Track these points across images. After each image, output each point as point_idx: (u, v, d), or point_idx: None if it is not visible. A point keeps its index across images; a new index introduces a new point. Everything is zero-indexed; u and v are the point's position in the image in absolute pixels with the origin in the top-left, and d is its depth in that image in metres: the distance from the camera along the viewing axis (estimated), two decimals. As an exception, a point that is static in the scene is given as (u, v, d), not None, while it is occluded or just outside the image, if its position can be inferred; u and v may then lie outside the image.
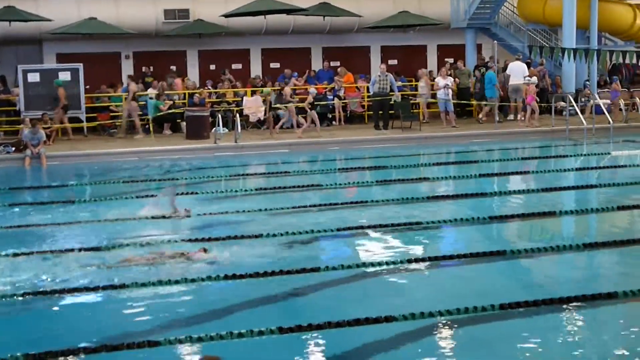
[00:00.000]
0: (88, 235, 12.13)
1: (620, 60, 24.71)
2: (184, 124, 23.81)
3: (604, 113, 23.63)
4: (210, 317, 8.44)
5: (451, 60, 29.46)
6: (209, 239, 11.40)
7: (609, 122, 22.90)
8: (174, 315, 8.53)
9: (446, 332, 7.89)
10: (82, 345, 7.56)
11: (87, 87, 25.08)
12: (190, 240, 11.50)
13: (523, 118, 24.77)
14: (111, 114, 25.03)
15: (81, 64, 24.47)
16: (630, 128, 24.28)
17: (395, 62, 30.87)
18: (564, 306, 8.39)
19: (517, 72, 25.59)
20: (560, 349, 7.49)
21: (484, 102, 25.51)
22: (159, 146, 21.97)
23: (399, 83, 26.53)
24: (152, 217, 13.05)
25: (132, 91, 24.09)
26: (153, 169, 19.46)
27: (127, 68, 29.49)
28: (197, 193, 15.45)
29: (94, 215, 13.57)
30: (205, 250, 10.61)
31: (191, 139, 22.62)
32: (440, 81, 25.20)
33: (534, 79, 25.19)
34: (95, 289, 9.29)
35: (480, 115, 25.88)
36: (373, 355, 7.42)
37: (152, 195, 14.76)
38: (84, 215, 13.56)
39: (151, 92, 25.72)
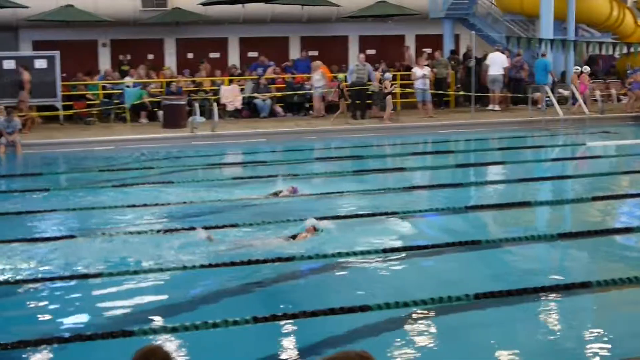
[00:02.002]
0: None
1: (597, 51, 24.91)
2: (160, 112, 23.72)
3: (580, 103, 23.80)
4: (186, 306, 8.43)
5: (429, 50, 29.49)
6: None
7: (585, 113, 23.07)
8: (150, 304, 8.52)
9: (421, 321, 7.91)
10: (56, 335, 7.53)
11: (64, 75, 24.90)
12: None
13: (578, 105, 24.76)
14: (87, 102, 24.91)
15: (58, 52, 24.25)
16: (606, 119, 24.44)
17: (373, 51, 30.87)
18: (538, 296, 8.43)
19: (497, 63, 25.73)
20: (534, 337, 7.55)
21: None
22: (136, 135, 21.88)
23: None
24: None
25: (25, 81, 23.11)
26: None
27: (105, 56, 29.37)
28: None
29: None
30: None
31: (168, 128, 22.53)
32: (417, 71, 25.19)
33: (587, 68, 25.29)
34: (66, 277, 9.25)
35: (539, 105, 25.95)
36: (347, 345, 7.42)
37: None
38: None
39: (128, 80, 25.60)
